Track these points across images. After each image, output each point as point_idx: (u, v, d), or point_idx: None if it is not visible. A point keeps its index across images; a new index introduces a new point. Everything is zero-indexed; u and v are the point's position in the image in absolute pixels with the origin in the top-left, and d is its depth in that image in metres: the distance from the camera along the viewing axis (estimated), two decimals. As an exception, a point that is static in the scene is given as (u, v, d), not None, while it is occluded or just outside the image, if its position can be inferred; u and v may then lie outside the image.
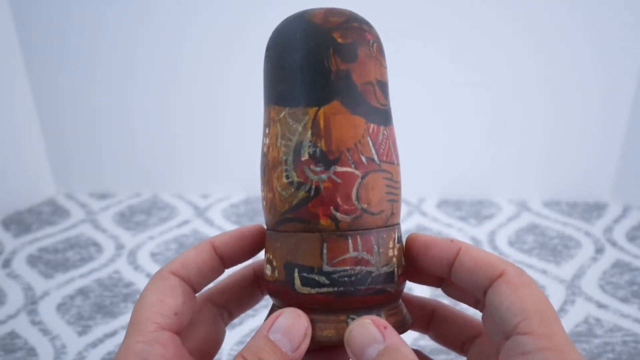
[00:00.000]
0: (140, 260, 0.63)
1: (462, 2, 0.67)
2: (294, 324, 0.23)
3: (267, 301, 0.54)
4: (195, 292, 0.27)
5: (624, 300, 0.54)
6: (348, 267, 0.25)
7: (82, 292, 0.57)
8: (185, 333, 0.27)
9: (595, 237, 0.66)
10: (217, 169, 0.80)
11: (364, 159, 0.25)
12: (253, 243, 0.28)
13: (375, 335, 0.23)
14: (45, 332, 0.51)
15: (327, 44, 0.25)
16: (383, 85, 0.26)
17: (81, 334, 0.51)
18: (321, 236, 0.25)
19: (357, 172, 0.25)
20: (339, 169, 0.25)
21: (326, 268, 0.25)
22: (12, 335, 0.51)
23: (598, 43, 0.67)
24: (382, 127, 0.26)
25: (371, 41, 0.26)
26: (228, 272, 0.30)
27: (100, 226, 0.72)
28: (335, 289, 0.25)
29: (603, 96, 0.70)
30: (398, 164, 0.27)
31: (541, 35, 0.68)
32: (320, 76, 0.25)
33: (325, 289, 0.25)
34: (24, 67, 0.75)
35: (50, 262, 0.63)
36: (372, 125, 0.25)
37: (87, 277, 0.60)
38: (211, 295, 0.30)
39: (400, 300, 0.28)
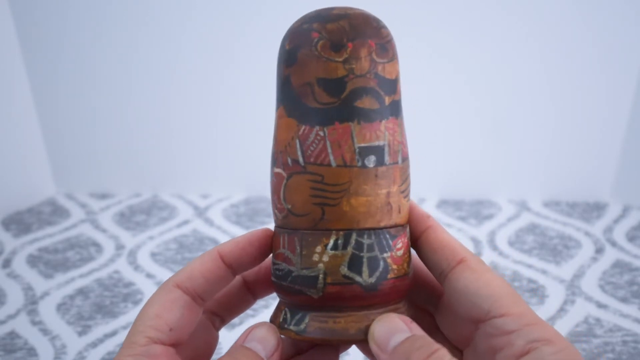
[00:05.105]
0: (140, 260, 0.63)
1: (463, 2, 0.67)
2: (267, 336, 0.25)
3: (265, 301, 0.54)
4: (204, 301, 0.28)
5: (623, 300, 0.54)
6: (279, 262, 0.27)
7: (82, 292, 0.57)
8: (183, 345, 0.27)
9: (595, 237, 0.66)
10: (217, 169, 0.80)
11: (290, 160, 0.26)
12: (261, 248, 0.28)
13: (401, 326, 0.24)
14: (45, 332, 0.51)
15: (280, 53, 0.27)
16: (326, 82, 0.25)
17: (81, 334, 0.51)
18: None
19: (284, 173, 0.26)
20: (276, 169, 0.27)
21: (272, 259, 0.28)
22: (12, 335, 0.51)
23: (598, 43, 0.67)
24: (315, 128, 0.25)
25: (316, 39, 0.25)
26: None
27: (100, 226, 0.72)
28: (274, 279, 0.27)
29: (603, 96, 0.70)
30: (340, 165, 0.25)
31: (541, 35, 0.68)
32: (278, 83, 0.27)
33: (272, 278, 0.28)
34: (24, 67, 0.75)
35: (50, 262, 0.63)
36: (302, 127, 0.26)
37: (87, 277, 0.60)
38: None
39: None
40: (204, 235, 0.68)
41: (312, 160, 0.25)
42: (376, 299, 0.26)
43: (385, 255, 0.26)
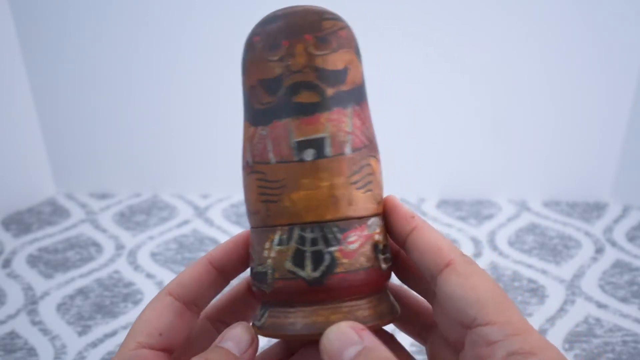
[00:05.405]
0: (140, 260, 0.63)
1: (463, 2, 0.67)
2: (241, 334, 0.26)
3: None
4: (199, 308, 0.28)
5: (623, 300, 0.54)
6: (249, 260, 0.28)
7: (82, 292, 0.57)
8: (181, 350, 0.28)
9: (595, 237, 0.66)
10: (217, 169, 0.80)
11: (244, 162, 0.27)
12: (247, 248, 0.29)
13: (352, 337, 0.23)
14: (45, 332, 0.51)
15: None
16: (266, 82, 0.26)
17: (81, 334, 0.51)
18: None
19: (244, 173, 0.27)
20: (243, 172, 0.28)
21: None
22: (12, 335, 0.51)
23: (598, 43, 0.67)
24: (259, 128, 0.26)
25: (256, 43, 0.26)
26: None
27: (100, 226, 0.72)
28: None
29: (603, 96, 0.70)
30: (279, 161, 0.26)
31: (541, 35, 0.68)
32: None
33: None
34: (24, 67, 0.75)
35: (50, 262, 0.63)
36: (251, 129, 0.27)
37: (87, 277, 0.60)
38: (206, 312, 0.30)
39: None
40: (204, 235, 0.68)
41: (257, 159, 0.26)
42: (323, 294, 0.25)
43: (332, 249, 0.25)
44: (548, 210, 0.73)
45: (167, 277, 0.60)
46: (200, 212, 0.75)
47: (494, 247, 0.64)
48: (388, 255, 0.27)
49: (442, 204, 0.76)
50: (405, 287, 0.30)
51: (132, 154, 0.79)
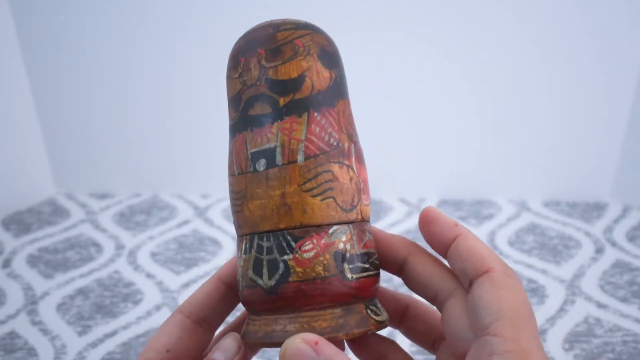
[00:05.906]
0: (140, 260, 0.63)
1: (463, 3, 0.67)
2: (229, 343, 0.27)
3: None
4: (211, 325, 0.29)
5: (623, 300, 0.54)
6: None
7: (82, 292, 0.57)
8: None
9: (595, 237, 0.66)
10: (217, 169, 0.79)
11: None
12: None
13: (308, 353, 0.23)
14: (45, 332, 0.51)
15: None
16: (232, 99, 0.27)
17: (81, 334, 0.51)
18: None
19: None
20: None
21: None
22: (12, 335, 0.51)
23: (598, 43, 0.67)
24: (229, 143, 0.28)
25: (228, 62, 0.28)
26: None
27: (100, 226, 0.72)
28: None
29: (603, 96, 0.70)
30: (239, 173, 0.27)
31: (541, 35, 0.68)
32: None
33: None
34: (24, 67, 0.75)
35: (50, 262, 0.63)
36: (229, 143, 0.28)
37: (87, 277, 0.60)
38: (225, 330, 0.31)
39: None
40: (204, 235, 0.68)
41: (229, 171, 0.28)
42: (279, 303, 0.25)
43: (285, 257, 0.25)
44: (548, 210, 0.73)
45: (167, 277, 0.60)
46: (200, 212, 0.75)
47: (494, 247, 0.64)
48: (361, 265, 0.26)
49: (442, 204, 0.76)
50: (418, 297, 0.30)
51: (132, 154, 0.79)
